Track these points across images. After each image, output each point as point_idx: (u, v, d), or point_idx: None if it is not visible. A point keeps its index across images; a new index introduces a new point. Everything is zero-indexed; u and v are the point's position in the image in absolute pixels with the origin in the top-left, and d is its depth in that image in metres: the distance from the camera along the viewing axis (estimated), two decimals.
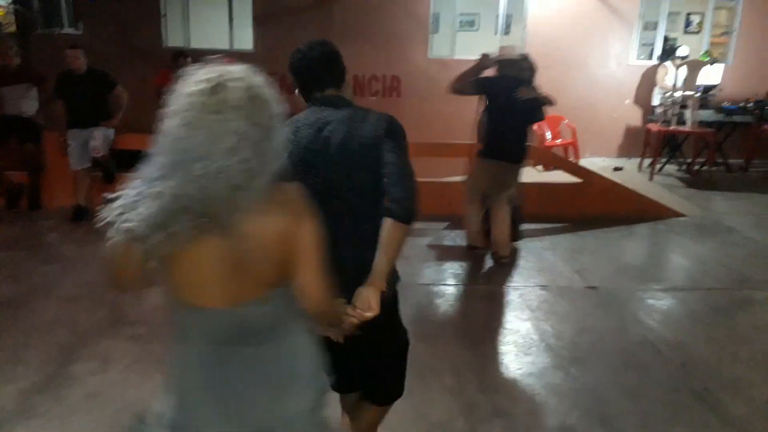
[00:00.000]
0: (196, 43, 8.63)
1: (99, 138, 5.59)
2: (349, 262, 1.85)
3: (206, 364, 1.41)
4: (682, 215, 6.26)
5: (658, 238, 5.88)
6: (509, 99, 4.51)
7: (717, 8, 9.42)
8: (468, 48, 9.36)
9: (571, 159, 8.17)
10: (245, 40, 8.87)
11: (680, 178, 8.15)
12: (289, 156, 1.67)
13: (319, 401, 1.53)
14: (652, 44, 9.47)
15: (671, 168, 8.66)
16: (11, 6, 8.58)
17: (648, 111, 9.22)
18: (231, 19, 8.86)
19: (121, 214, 1.27)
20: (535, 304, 4.14)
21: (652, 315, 4.04)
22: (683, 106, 8.15)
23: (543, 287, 4.44)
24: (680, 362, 3.42)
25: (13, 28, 8.53)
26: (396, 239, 1.76)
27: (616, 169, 8.37)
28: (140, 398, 2.90)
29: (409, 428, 2.74)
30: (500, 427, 2.80)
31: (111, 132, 5.78)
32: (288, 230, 1.34)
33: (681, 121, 8.14)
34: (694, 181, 8.03)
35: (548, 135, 8.74)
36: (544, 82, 8.88)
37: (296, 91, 2.03)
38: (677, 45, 9.32)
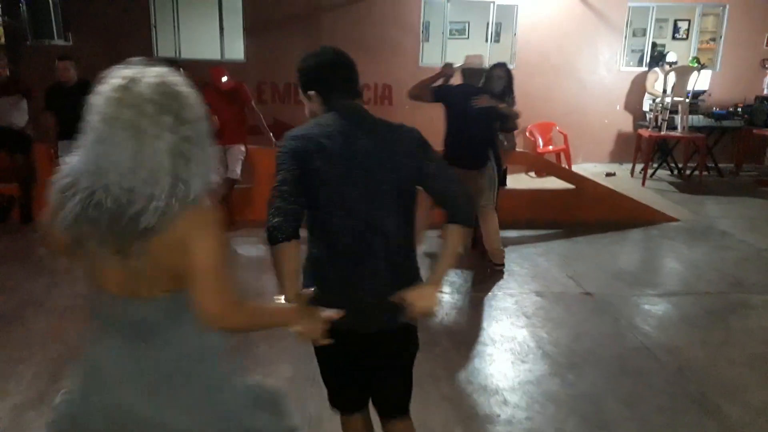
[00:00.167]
0: (187, 54, 8.63)
1: None
2: (382, 273, 1.80)
3: (100, 348, 1.42)
4: (675, 220, 6.30)
5: (652, 243, 5.90)
6: (466, 107, 4.49)
7: (704, 15, 9.53)
8: (459, 56, 9.40)
9: (564, 165, 8.20)
10: (236, 50, 8.88)
11: (672, 183, 8.21)
12: (320, 165, 1.69)
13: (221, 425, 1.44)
14: (641, 51, 9.56)
15: (663, 173, 8.72)
16: (0, 18, 8.55)
17: (638, 117, 9.30)
18: (221, 30, 8.86)
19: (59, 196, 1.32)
20: (530, 311, 4.14)
21: (647, 320, 4.04)
22: (673, 112, 8.22)
23: (538, 294, 4.44)
24: (676, 367, 3.42)
25: (2, 40, 8.49)
26: (460, 243, 1.90)
27: (608, 174, 8.43)
28: None
29: None
30: None
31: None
32: (184, 247, 1.30)
33: (671, 127, 8.21)
34: (686, 185, 8.09)
35: (540, 142, 8.79)
36: (534, 89, 9.05)
37: (309, 96, 1.83)
38: (666, 51, 9.42)
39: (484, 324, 3.94)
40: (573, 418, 2.93)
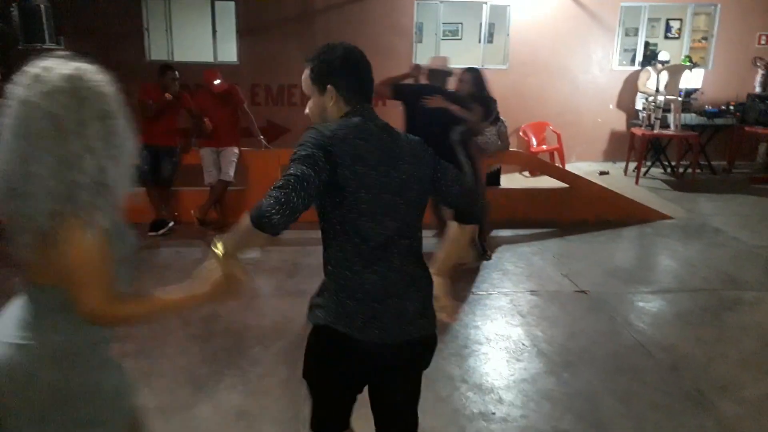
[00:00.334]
0: (180, 57, 8.61)
1: None
2: (418, 279, 1.77)
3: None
4: (669, 218, 6.31)
5: (646, 241, 5.91)
6: (420, 106, 4.50)
7: (696, 14, 9.57)
8: (452, 57, 9.40)
9: (557, 164, 8.22)
10: (229, 53, 8.86)
11: (665, 181, 8.23)
12: (360, 170, 1.59)
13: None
14: (634, 50, 9.59)
15: (656, 171, 8.74)
16: None
17: (631, 115, 9.33)
18: (214, 32, 8.85)
19: None
20: (525, 310, 4.14)
21: (642, 317, 4.05)
22: (666, 110, 8.25)
23: (533, 292, 4.44)
24: (671, 364, 3.43)
25: None
26: (467, 242, 1.96)
27: (602, 173, 8.45)
28: None
29: None
30: None
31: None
32: (60, 245, 1.32)
33: (664, 125, 8.24)
34: (679, 183, 8.12)
35: (534, 141, 8.80)
36: (528, 89, 9.07)
37: (325, 89, 1.69)
38: (658, 50, 9.45)
39: (479, 323, 3.93)
40: (568, 415, 2.92)
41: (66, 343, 1.42)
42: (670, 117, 8.23)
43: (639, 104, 9.00)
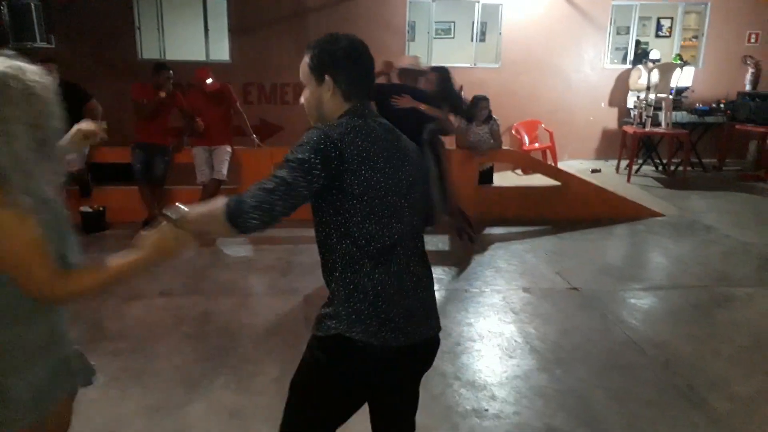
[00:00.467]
0: (172, 55, 8.57)
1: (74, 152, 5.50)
2: (429, 277, 1.76)
3: None
4: (660, 215, 6.35)
5: (638, 238, 5.94)
6: (390, 107, 4.46)
7: (686, 12, 9.63)
8: (445, 55, 9.43)
9: (550, 162, 8.25)
10: (221, 51, 8.83)
11: (657, 179, 8.28)
12: (367, 174, 1.52)
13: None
14: (625, 48, 9.64)
15: (648, 169, 8.79)
16: None
17: (623, 113, 9.38)
18: (207, 31, 8.81)
19: None
20: (518, 307, 4.15)
21: (634, 315, 4.07)
22: (657, 108, 8.29)
23: (525, 290, 4.46)
24: (664, 361, 3.45)
25: None
26: None
27: (594, 171, 8.48)
28: (120, 414, 2.84)
29: None
30: (485, 431, 2.78)
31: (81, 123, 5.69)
32: None
33: (656, 123, 8.28)
34: (671, 181, 8.17)
35: (526, 139, 8.83)
36: (520, 87, 9.09)
37: (322, 80, 1.62)
38: (649, 49, 9.50)
39: (472, 320, 3.94)
40: (561, 412, 2.93)
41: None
42: (662, 115, 8.27)
43: (631, 102, 9.04)
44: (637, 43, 9.63)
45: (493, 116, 6.25)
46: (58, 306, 1.52)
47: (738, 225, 6.13)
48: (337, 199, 1.53)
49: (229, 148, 5.77)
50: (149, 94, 5.59)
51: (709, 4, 9.31)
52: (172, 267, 4.79)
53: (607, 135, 9.57)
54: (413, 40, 9.45)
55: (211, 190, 5.62)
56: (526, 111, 9.05)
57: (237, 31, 8.79)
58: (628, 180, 8.05)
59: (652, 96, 8.29)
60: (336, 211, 1.54)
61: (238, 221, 1.40)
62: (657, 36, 10.17)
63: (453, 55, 9.56)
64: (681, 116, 8.59)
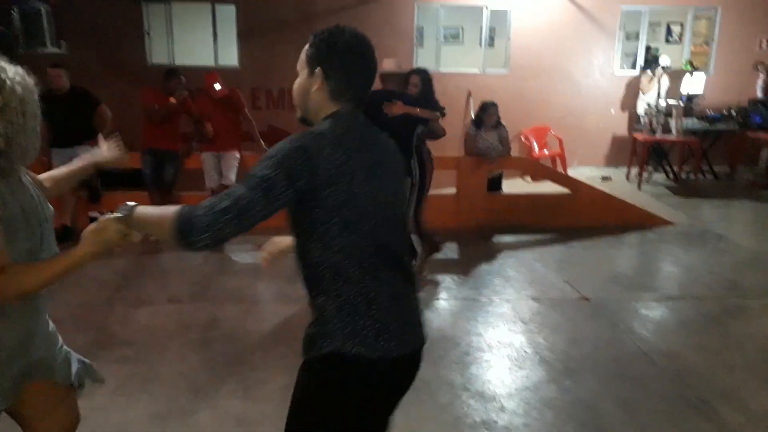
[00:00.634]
0: (181, 60, 8.61)
1: (83, 157, 5.52)
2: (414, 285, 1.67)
3: None
4: (671, 224, 6.29)
5: (648, 247, 5.89)
6: (382, 112, 4.30)
7: (696, 18, 9.57)
8: (453, 61, 9.42)
9: (559, 169, 8.20)
10: (230, 56, 8.86)
11: (668, 187, 8.21)
12: (348, 186, 1.43)
13: None
14: (635, 54, 9.59)
15: (658, 177, 8.73)
16: None
17: (633, 120, 9.32)
18: (215, 36, 8.85)
19: None
20: (527, 317, 4.11)
21: (644, 325, 4.02)
22: (668, 115, 8.24)
23: (535, 299, 4.42)
24: (675, 372, 3.40)
25: None
26: None
27: (604, 178, 8.43)
28: (127, 421, 2.83)
29: None
30: None
31: (95, 151, 5.71)
32: None
33: (666, 130, 8.22)
34: (682, 189, 8.10)
35: (535, 146, 8.79)
36: (529, 93, 9.06)
37: (314, 73, 1.53)
38: (659, 54, 9.45)
39: (481, 330, 3.91)
40: (571, 423, 2.90)
41: None
42: (672, 122, 8.22)
43: (640, 109, 8.99)
44: (648, 48, 9.58)
45: (502, 122, 6.22)
46: (8, 302, 1.51)
47: (750, 234, 6.07)
48: (314, 211, 1.44)
49: (237, 154, 5.77)
50: (160, 99, 5.60)
51: (720, 9, 9.25)
52: (180, 274, 4.79)
53: (616, 142, 9.51)
54: (421, 45, 9.45)
55: None
56: (535, 117, 9.02)
57: (245, 37, 8.82)
58: (639, 188, 7.99)
59: (662, 103, 8.23)
60: (314, 222, 1.45)
61: (184, 239, 1.34)
62: (667, 42, 10.12)
63: (461, 61, 9.55)
64: (692, 123, 8.52)
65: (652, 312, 4.24)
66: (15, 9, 8.61)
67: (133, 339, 3.68)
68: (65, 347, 1.82)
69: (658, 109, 8.16)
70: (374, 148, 1.55)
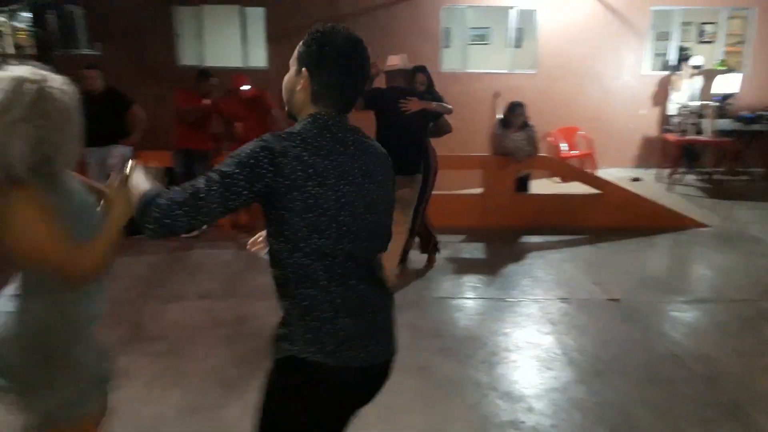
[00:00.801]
0: (210, 62, 8.73)
1: (117, 156, 5.64)
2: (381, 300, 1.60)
3: None
4: (704, 225, 6.16)
5: (680, 249, 5.78)
6: (398, 110, 4.23)
7: (730, 17, 9.36)
8: (480, 61, 9.38)
9: (588, 170, 8.09)
10: (259, 58, 8.96)
11: (701, 188, 8.04)
12: (315, 191, 1.40)
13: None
14: (667, 54, 9.42)
15: (690, 178, 8.55)
16: (31, 29, 8.77)
17: (664, 121, 9.15)
18: (244, 38, 8.96)
19: None
20: (556, 318, 4.08)
21: (676, 328, 3.95)
22: (700, 116, 8.07)
23: (563, 300, 4.37)
24: (708, 376, 3.33)
25: (33, 50, 8.70)
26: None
27: (634, 179, 8.29)
28: (158, 415, 2.89)
29: None
30: None
31: (128, 150, 5.83)
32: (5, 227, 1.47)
33: (698, 131, 8.06)
34: (715, 190, 7.92)
35: (564, 147, 8.70)
36: (557, 93, 8.97)
37: (300, 72, 1.50)
38: (690, 54, 9.27)
39: (508, 330, 3.89)
40: (600, 426, 2.86)
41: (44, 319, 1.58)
42: (705, 123, 8.05)
43: (672, 109, 8.83)
44: (681, 48, 9.40)
45: (529, 123, 6.17)
46: (89, 281, 1.59)
47: None
48: (282, 213, 1.41)
49: None
50: (192, 100, 5.70)
51: (756, 9, 9.03)
52: (209, 270, 4.86)
53: (647, 143, 9.35)
54: (448, 46, 9.42)
55: None
56: (563, 118, 8.93)
57: (274, 39, 8.90)
58: (670, 189, 7.85)
59: (694, 103, 8.07)
60: (283, 223, 1.42)
61: (139, 220, 1.39)
62: (700, 41, 9.92)
63: (488, 61, 9.50)
64: (725, 124, 8.34)
65: (684, 315, 4.17)
66: (53, 11, 8.85)
67: (165, 334, 3.75)
68: None
69: (690, 110, 8.00)
70: (354, 153, 1.48)
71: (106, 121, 5.62)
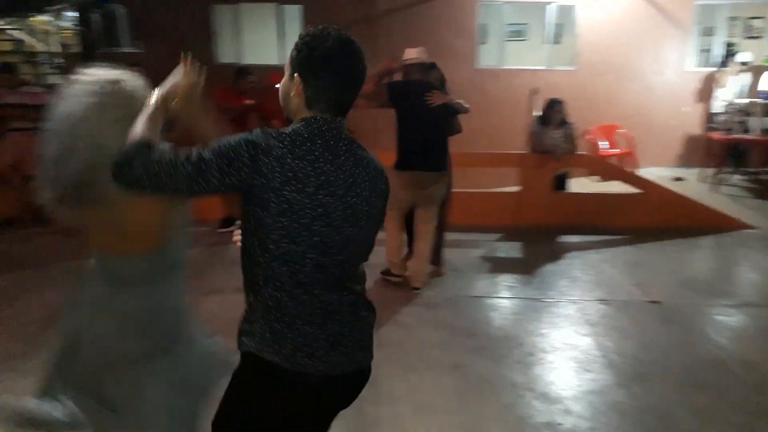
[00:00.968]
0: (247, 59, 8.83)
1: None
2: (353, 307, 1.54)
3: None
4: (751, 227, 5.95)
5: (725, 251, 5.59)
6: (423, 104, 4.15)
7: None
8: (517, 58, 9.25)
9: (628, 169, 7.90)
10: None
11: (746, 189, 7.77)
12: (293, 196, 1.37)
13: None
14: (711, 50, 9.13)
15: (736, 178, 8.27)
16: (76, 28, 9.02)
17: (708, 119, 8.88)
18: (281, 35, 9.03)
19: None
20: (594, 319, 3.99)
21: (721, 332, 3.82)
22: (747, 114, 7.80)
23: (602, 301, 4.27)
24: (754, 382, 3.21)
25: (78, 49, 8.95)
26: None
27: (677, 179, 8.06)
28: None
29: None
30: None
31: (169, 145, 5.95)
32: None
33: (745, 129, 7.79)
34: (762, 191, 7.65)
35: (604, 144, 8.52)
36: (596, 90, 8.79)
37: (293, 77, 1.47)
38: (736, 50, 8.96)
39: (545, 330, 3.82)
40: (640, 430, 2.79)
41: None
42: (752, 121, 7.77)
43: (716, 107, 8.55)
44: (728, 44, 9.09)
45: (568, 120, 6.06)
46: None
47: None
48: (257, 211, 1.40)
49: None
50: (231, 98, 5.77)
51: None
52: None
53: (690, 141, 9.08)
54: (484, 43, 9.32)
55: None
56: (603, 115, 8.74)
57: None
58: (715, 189, 7.60)
59: (741, 100, 7.80)
60: (257, 220, 1.41)
61: (116, 161, 1.39)
62: (748, 37, 9.57)
63: (526, 58, 9.37)
64: None
65: (729, 319, 4.03)
66: (96, 11, 9.09)
67: (207, 327, 3.79)
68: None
69: (736, 108, 7.73)
70: (343, 164, 1.43)
71: None
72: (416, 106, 4.19)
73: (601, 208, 6.08)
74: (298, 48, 1.46)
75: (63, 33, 10.87)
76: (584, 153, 7.49)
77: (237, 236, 1.61)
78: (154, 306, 1.75)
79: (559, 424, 2.83)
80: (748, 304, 4.29)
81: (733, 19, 9.25)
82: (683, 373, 3.31)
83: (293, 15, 8.97)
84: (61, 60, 10.37)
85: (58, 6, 9.31)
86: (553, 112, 5.92)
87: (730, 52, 8.96)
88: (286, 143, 1.38)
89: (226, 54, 9.09)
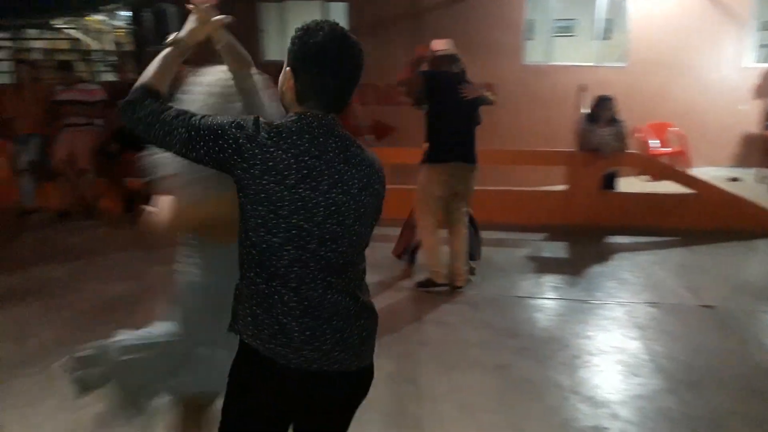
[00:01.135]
0: None
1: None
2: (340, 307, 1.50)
3: None
4: None
5: None
6: (456, 96, 4.11)
7: None
8: (565, 54, 9.07)
9: (680, 169, 7.65)
10: None
11: None
12: (271, 186, 1.36)
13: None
14: None
15: None
16: (129, 27, 9.30)
17: (767, 117, 8.50)
18: None
19: None
20: (643, 322, 3.87)
21: None
22: None
23: (652, 304, 4.15)
24: None
25: (131, 47, 9.23)
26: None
27: (733, 179, 7.76)
28: None
29: None
30: None
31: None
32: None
33: None
34: None
35: (655, 143, 8.27)
36: (648, 87, 8.53)
37: (285, 71, 1.47)
38: None
39: (591, 333, 3.73)
40: None
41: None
42: None
43: None
44: None
45: (618, 118, 5.90)
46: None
47: None
48: (240, 196, 1.41)
49: None
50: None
51: None
52: None
53: (747, 140, 8.72)
54: (531, 38, 9.18)
55: None
56: (654, 113, 8.48)
57: (356, 33, 8.91)
58: None
59: None
60: (241, 208, 1.42)
61: (123, 107, 1.49)
62: None
63: (574, 54, 9.18)
64: None
65: None
66: (148, 10, 9.35)
67: None
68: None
69: None
70: (332, 160, 1.40)
71: None
72: (451, 98, 4.17)
73: (652, 208, 5.91)
74: (292, 41, 1.45)
75: (117, 32, 11.23)
76: (634, 151, 7.29)
77: None
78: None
79: (606, 428, 2.76)
80: None
81: None
82: (736, 380, 3.19)
83: (339, 12, 9.03)
84: (115, 58, 10.72)
85: (112, 5, 9.62)
86: (603, 110, 5.78)
87: None
88: (273, 134, 1.38)
89: (272, 51, 9.21)
